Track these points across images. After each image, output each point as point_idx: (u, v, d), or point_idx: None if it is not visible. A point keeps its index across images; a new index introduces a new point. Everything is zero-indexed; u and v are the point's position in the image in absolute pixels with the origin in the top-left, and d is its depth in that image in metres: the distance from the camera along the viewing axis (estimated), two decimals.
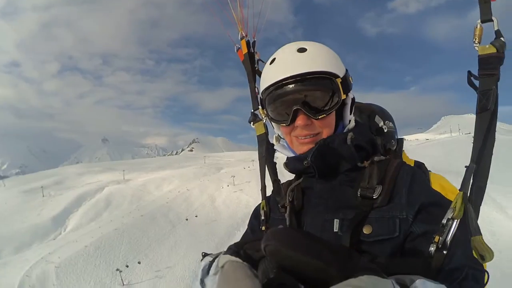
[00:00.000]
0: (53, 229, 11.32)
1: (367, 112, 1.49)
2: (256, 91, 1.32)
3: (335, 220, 0.89)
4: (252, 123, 1.32)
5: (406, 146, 1.59)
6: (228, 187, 16.97)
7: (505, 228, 7.18)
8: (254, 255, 0.58)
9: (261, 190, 1.21)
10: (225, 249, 0.66)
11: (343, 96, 0.95)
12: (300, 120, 0.93)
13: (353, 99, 1.02)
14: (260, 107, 1.08)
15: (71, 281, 7.19)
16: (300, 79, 0.91)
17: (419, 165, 1.37)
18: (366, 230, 0.83)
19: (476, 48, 0.87)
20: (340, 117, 1.01)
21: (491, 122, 0.84)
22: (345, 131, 1.00)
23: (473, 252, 0.74)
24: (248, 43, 1.39)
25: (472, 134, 0.85)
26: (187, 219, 11.95)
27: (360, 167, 0.96)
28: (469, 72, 0.88)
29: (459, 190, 0.81)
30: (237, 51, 1.43)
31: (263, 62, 1.34)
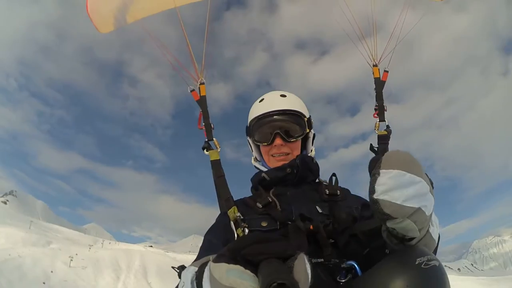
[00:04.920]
0: None
1: None
2: (212, 126, 1.64)
3: (316, 206, 1.23)
4: (205, 150, 1.58)
5: None
6: (64, 268, 16.44)
7: None
8: (254, 259, 0.61)
9: (224, 201, 1.39)
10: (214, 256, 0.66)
11: (307, 130, 1.44)
12: (278, 141, 1.38)
13: (314, 135, 1.51)
14: (247, 134, 1.53)
15: None
16: (282, 113, 1.41)
17: None
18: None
19: (376, 132, 1.65)
20: (304, 147, 1.49)
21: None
22: None
23: None
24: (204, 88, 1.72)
25: None
26: None
27: (318, 182, 1.41)
28: (371, 144, 1.61)
29: None
30: (191, 91, 1.72)
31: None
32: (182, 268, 0.99)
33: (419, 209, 0.76)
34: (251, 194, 1.44)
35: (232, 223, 1.23)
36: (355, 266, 0.90)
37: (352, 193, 1.40)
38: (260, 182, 1.38)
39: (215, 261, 0.63)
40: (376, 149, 1.59)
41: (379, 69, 1.84)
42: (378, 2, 1.94)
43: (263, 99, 1.48)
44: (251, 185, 1.48)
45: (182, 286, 0.78)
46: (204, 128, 1.62)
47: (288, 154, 1.41)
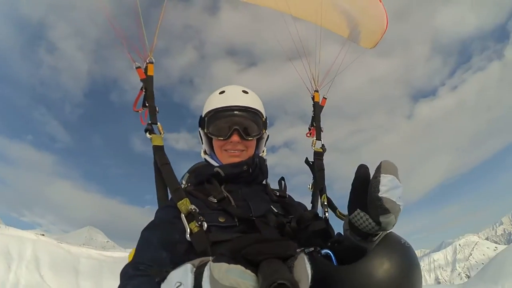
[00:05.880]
0: None
1: None
2: (157, 109, 1.50)
3: (271, 206, 1.31)
4: (148, 132, 1.45)
5: None
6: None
7: None
8: (254, 259, 0.61)
9: (173, 192, 1.24)
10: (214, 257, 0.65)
11: (264, 131, 1.46)
12: (235, 137, 1.36)
13: (268, 136, 1.53)
14: (199, 125, 1.49)
15: None
16: (243, 109, 1.39)
17: None
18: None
19: (313, 148, 1.77)
20: (256, 146, 1.49)
21: (323, 172, 1.66)
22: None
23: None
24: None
25: None
26: None
27: (265, 184, 1.48)
28: (306, 157, 1.72)
29: (322, 195, 1.55)
30: (136, 68, 1.57)
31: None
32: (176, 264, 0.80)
33: (399, 207, 0.92)
34: (193, 187, 1.42)
35: (183, 216, 1.13)
36: (331, 255, 1.02)
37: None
38: (213, 177, 1.34)
39: (215, 261, 0.63)
40: (311, 162, 1.74)
41: (319, 94, 1.99)
42: (313, 34, 2.11)
43: (223, 91, 1.44)
44: (188, 176, 1.52)
45: (178, 286, 0.72)
46: (145, 110, 1.52)
47: (243, 151, 1.40)
